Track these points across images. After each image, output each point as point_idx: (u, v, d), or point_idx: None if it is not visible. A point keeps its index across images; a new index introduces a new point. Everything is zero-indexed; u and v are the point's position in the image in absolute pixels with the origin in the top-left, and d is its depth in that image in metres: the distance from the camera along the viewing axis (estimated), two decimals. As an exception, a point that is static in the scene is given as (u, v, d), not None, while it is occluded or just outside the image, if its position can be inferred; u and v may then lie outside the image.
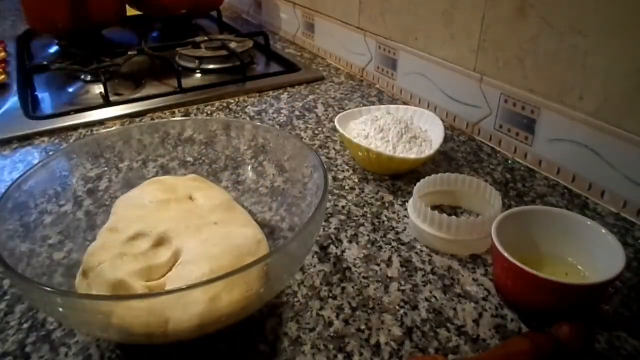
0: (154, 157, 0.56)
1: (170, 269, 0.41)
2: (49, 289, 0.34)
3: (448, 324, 0.43)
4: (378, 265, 0.49)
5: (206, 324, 0.36)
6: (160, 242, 0.42)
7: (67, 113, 0.78)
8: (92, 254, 0.41)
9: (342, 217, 0.56)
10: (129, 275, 0.39)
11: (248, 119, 0.79)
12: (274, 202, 0.53)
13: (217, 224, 0.44)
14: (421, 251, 0.51)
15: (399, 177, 0.63)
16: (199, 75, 0.96)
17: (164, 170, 0.56)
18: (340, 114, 0.66)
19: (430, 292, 0.46)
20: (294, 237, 0.38)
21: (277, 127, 0.76)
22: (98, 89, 0.86)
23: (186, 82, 0.88)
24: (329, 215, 0.56)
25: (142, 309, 0.34)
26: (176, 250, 0.41)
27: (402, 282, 0.47)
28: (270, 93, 0.88)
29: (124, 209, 0.46)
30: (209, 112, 0.81)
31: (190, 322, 0.35)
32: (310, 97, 0.86)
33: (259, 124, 0.58)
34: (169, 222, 0.43)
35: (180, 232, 0.42)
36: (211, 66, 0.96)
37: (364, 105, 0.82)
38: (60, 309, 0.35)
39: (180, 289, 0.34)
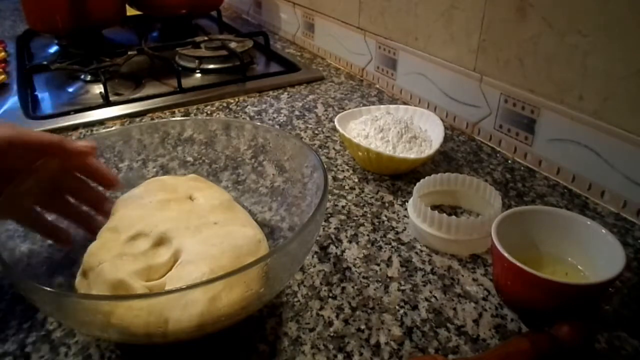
0: (154, 157, 0.56)
1: (170, 269, 0.41)
2: (49, 289, 0.34)
3: (448, 324, 0.43)
4: (378, 265, 0.49)
5: (206, 324, 0.36)
6: (160, 242, 0.42)
7: (67, 113, 0.78)
8: (93, 254, 0.41)
9: (342, 217, 0.56)
10: (129, 275, 0.39)
11: (248, 119, 0.79)
12: (274, 202, 0.53)
13: (217, 224, 0.44)
14: (421, 251, 0.51)
15: (399, 177, 0.63)
16: (199, 75, 0.96)
17: (164, 170, 0.56)
18: (340, 114, 0.66)
19: (430, 292, 0.46)
20: (293, 237, 0.38)
21: (277, 127, 0.76)
22: (98, 89, 0.86)
23: (186, 82, 0.88)
24: (329, 215, 0.56)
25: (142, 309, 0.34)
26: (176, 250, 0.41)
27: (402, 282, 0.47)
28: (270, 93, 0.88)
29: (124, 209, 0.46)
30: (209, 112, 0.81)
31: (190, 322, 0.35)
32: (310, 97, 0.86)
33: (259, 124, 0.58)
34: (169, 222, 0.43)
35: (180, 232, 0.42)
36: (211, 66, 0.96)
37: (364, 105, 0.82)
38: (60, 309, 0.35)
39: (180, 289, 0.34)
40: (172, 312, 0.35)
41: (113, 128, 0.75)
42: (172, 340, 0.37)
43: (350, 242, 0.52)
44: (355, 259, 0.50)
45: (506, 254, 0.41)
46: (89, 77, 0.92)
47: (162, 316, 0.35)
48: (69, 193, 0.47)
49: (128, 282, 0.38)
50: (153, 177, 0.53)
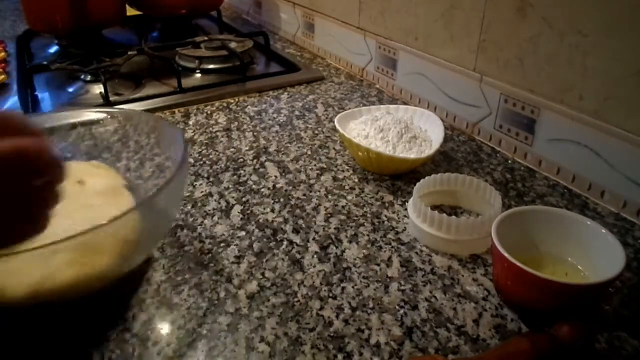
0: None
1: None
2: None
3: (448, 324, 0.43)
4: (378, 265, 0.49)
5: (40, 294, 0.37)
6: None
7: (67, 113, 0.78)
8: None
9: (342, 217, 0.56)
10: None
11: (248, 119, 0.79)
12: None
13: (92, 207, 0.44)
14: (421, 251, 0.51)
15: (399, 177, 0.63)
16: (199, 75, 0.96)
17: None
18: (340, 114, 0.66)
19: (430, 292, 0.46)
20: (125, 212, 0.39)
21: (277, 127, 0.76)
22: (98, 89, 0.86)
23: (186, 82, 0.88)
24: (329, 215, 0.56)
25: None
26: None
27: (402, 282, 0.47)
28: (270, 93, 0.88)
29: None
30: (209, 112, 0.81)
31: (21, 292, 0.37)
32: (310, 97, 0.86)
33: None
34: None
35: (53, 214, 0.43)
36: (211, 66, 0.96)
37: (364, 105, 0.82)
38: None
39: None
40: (9, 280, 0.37)
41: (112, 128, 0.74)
42: (7, 306, 0.38)
43: (350, 242, 0.52)
44: (355, 259, 0.50)
45: (506, 254, 0.41)
46: (89, 77, 0.92)
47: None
48: None
49: None
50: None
